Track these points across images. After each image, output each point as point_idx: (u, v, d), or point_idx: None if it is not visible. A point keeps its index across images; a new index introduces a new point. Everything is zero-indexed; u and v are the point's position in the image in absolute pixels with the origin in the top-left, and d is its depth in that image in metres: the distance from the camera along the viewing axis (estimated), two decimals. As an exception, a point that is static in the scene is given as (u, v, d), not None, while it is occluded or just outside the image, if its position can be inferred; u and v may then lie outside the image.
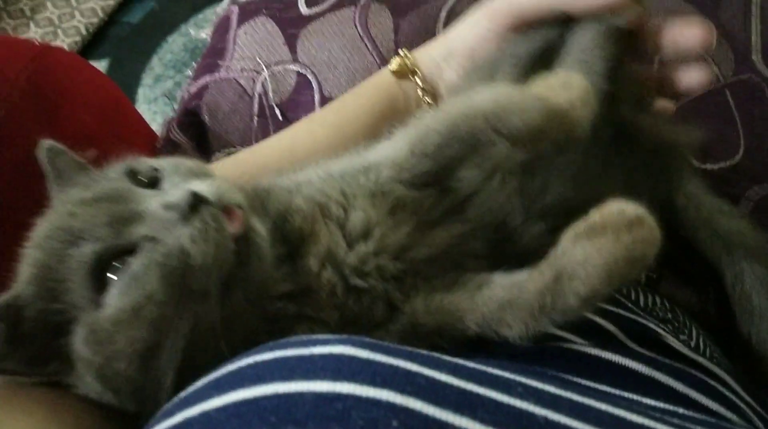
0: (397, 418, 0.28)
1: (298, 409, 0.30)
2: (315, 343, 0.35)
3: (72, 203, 0.50)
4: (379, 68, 0.81)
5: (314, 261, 0.50)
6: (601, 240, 0.38)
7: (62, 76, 0.85)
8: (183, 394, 0.38)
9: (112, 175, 0.53)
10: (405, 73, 0.66)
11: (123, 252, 0.46)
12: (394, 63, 0.67)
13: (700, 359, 0.48)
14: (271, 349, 0.36)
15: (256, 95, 0.84)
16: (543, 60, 0.57)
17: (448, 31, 0.66)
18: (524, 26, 0.59)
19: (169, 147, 0.84)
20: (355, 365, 0.31)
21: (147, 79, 1.86)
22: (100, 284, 0.46)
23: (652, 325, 0.51)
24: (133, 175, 0.53)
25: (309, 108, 0.81)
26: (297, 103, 0.83)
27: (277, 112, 0.83)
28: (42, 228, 0.52)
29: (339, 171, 0.53)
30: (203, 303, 0.45)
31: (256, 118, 0.83)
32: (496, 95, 0.46)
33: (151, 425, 0.37)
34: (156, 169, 0.52)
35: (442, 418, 0.29)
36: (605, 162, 0.55)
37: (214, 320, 0.45)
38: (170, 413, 0.36)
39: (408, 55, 0.67)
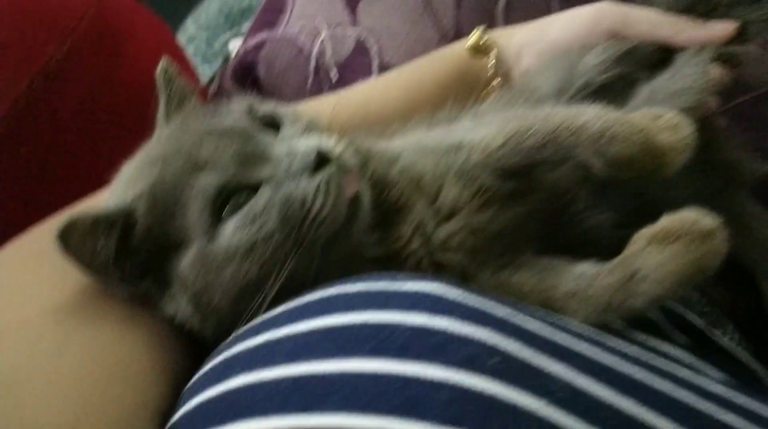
0: (493, 357, 0.29)
1: (395, 339, 0.30)
2: (405, 279, 0.35)
3: (198, 132, 0.51)
4: (438, 43, 0.81)
5: (406, 230, 0.51)
6: (675, 247, 0.41)
7: (122, 18, 0.85)
8: (266, 315, 0.39)
9: (235, 112, 0.53)
10: (480, 50, 0.66)
11: (245, 188, 0.47)
12: (472, 39, 0.66)
13: (739, 354, 0.50)
14: (358, 280, 0.37)
15: (313, 55, 0.85)
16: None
17: (545, 19, 0.66)
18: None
19: (222, 98, 0.86)
20: (448, 303, 0.32)
21: (181, 39, 1.87)
22: (217, 215, 0.47)
23: (693, 317, 0.53)
24: (253, 114, 0.53)
25: (365, 73, 0.82)
26: (353, 67, 0.84)
27: (333, 73, 0.84)
28: (158, 147, 0.53)
29: (432, 145, 0.53)
30: (309, 252, 0.46)
31: (311, 77, 0.84)
32: (605, 119, 0.46)
33: (233, 343, 0.38)
34: (274, 114, 0.53)
35: (539, 364, 0.29)
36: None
37: (311, 270, 0.46)
38: (255, 332, 0.37)
39: (487, 33, 0.67)
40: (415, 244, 0.51)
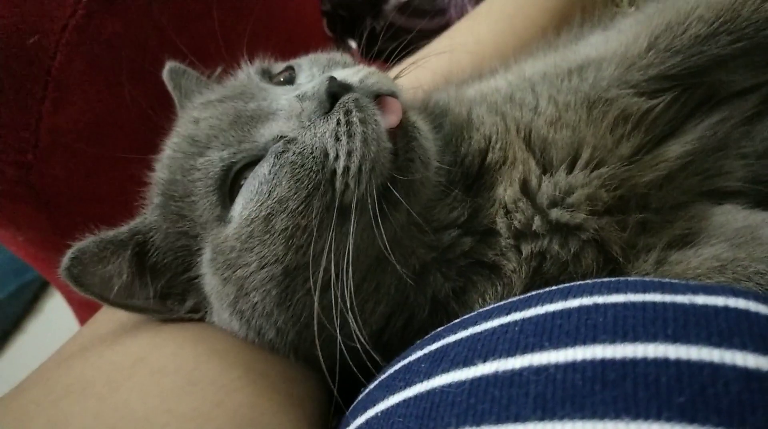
0: None
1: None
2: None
3: (195, 108, 0.45)
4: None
5: (506, 191, 0.41)
6: None
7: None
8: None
9: (241, 76, 0.48)
10: None
11: (254, 160, 0.40)
12: None
13: None
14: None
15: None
16: None
17: None
18: None
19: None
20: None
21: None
22: (228, 197, 0.41)
23: None
24: (267, 74, 0.47)
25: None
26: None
27: None
28: (167, 147, 0.47)
29: (539, 71, 0.44)
30: (357, 217, 0.37)
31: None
32: None
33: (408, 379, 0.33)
34: (290, 67, 0.46)
35: None
36: None
37: (376, 244, 0.38)
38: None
39: None
40: (521, 206, 0.41)
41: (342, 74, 0.40)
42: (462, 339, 0.34)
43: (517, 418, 0.27)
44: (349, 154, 0.37)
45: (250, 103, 0.41)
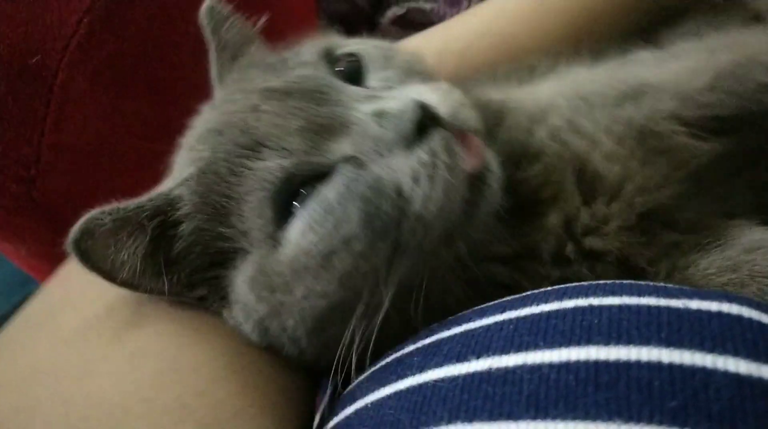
0: None
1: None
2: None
3: (255, 92, 0.39)
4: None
5: (553, 221, 0.39)
6: None
7: None
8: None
9: (306, 58, 0.41)
10: None
11: (319, 175, 0.36)
12: None
13: None
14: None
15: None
16: None
17: None
18: None
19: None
20: None
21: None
22: (282, 214, 0.36)
23: None
24: (330, 58, 0.41)
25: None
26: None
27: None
28: (209, 117, 0.41)
29: (595, 91, 0.41)
30: (413, 260, 0.35)
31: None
32: None
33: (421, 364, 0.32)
34: (353, 55, 0.41)
35: None
36: None
37: (419, 281, 0.36)
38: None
39: None
40: (560, 234, 0.39)
41: (429, 98, 0.36)
42: (456, 335, 0.33)
43: (510, 416, 0.27)
44: (425, 201, 0.34)
45: (323, 107, 0.36)
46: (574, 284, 0.35)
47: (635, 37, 0.47)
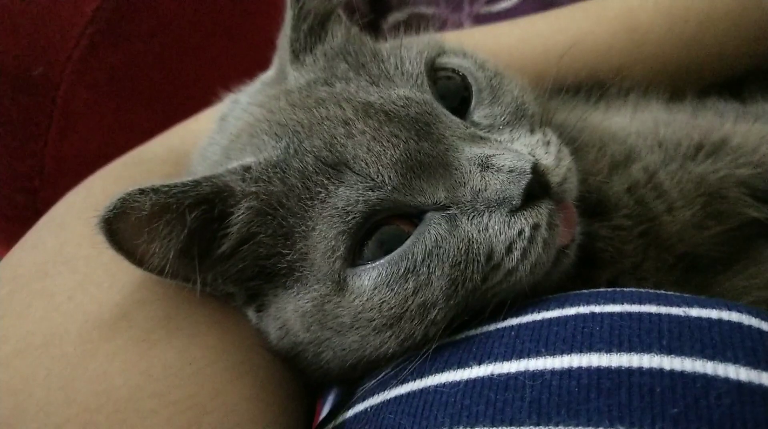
0: None
1: None
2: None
3: (350, 102, 0.34)
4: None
5: (604, 277, 0.39)
6: None
7: None
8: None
9: (409, 68, 0.37)
10: None
11: (406, 215, 0.34)
12: None
13: None
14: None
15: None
16: None
17: None
18: None
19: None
20: None
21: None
22: (355, 251, 0.33)
23: None
24: (432, 71, 0.38)
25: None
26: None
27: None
28: (283, 106, 0.37)
29: (672, 137, 0.40)
30: (470, 308, 0.35)
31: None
32: None
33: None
34: (457, 71, 0.38)
35: None
36: None
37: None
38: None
39: None
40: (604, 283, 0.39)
41: (543, 159, 0.34)
42: (456, 341, 0.33)
43: (512, 422, 0.28)
44: (512, 272, 0.33)
45: (424, 141, 0.33)
46: (575, 292, 0.35)
47: (717, 86, 0.46)
